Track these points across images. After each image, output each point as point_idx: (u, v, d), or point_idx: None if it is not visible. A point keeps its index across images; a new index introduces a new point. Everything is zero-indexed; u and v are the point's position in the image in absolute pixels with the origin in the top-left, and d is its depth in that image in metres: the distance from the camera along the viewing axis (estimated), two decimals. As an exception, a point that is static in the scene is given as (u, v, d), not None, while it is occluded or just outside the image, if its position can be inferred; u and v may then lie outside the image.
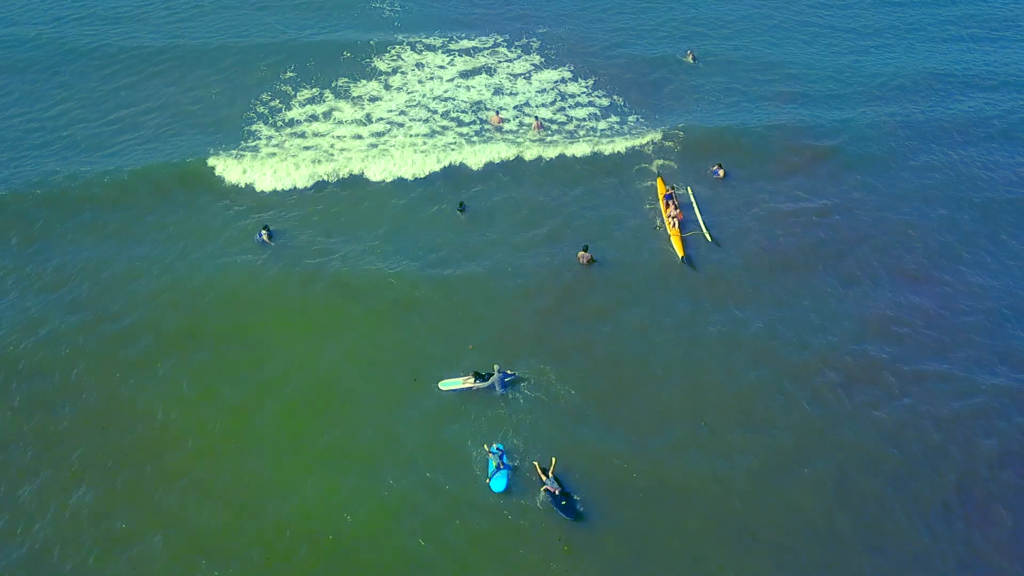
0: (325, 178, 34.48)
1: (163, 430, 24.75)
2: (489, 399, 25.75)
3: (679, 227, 32.01)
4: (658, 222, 32.73)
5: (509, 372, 26.26)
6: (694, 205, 33.63)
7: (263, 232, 31.46)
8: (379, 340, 27.74)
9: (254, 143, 36.60)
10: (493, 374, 25.98)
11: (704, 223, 32.64)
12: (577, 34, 45.81)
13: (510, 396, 25.89)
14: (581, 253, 30.88)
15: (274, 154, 35.70)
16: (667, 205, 32.97)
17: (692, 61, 43.55)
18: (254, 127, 37.70)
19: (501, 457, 23.62)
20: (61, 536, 22.09)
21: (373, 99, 39.83)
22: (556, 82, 41.49)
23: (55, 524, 22.33)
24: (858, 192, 34.94)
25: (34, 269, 30.02)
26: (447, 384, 26.17)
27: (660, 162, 36.20)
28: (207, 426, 24.85)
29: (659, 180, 34.81)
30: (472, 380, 25.96)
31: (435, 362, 26.82)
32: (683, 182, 35.03)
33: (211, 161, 34.98)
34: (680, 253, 31.04)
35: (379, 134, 37.41)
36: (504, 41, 44.79)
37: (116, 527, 22.34)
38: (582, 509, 22.83)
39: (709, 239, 31.93)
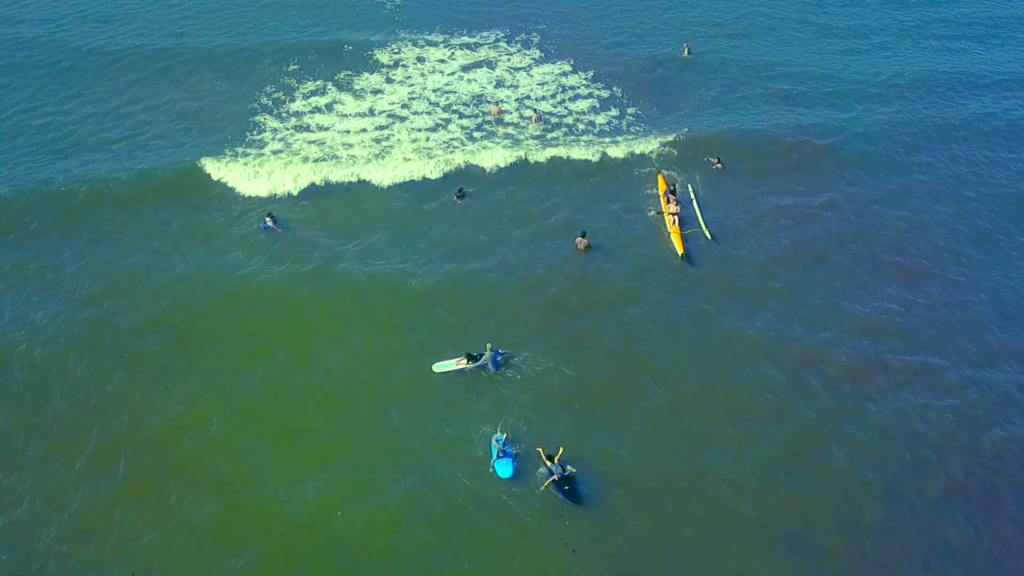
0: (329, 176, 34.55)
1: (166, 425, 24.92)
2: (490, 388, 26.07)
3: (679, 224, 32.26)
4: (651, 211, 33.05)
5: (500, 351, 26.78)
6: (694, 202, 33.92)
7: (268, 219, 31.92)
8: (382, 334, 27.95)
9: (259, 136, 36.98)
10: (485, 353, 26.49)
11: (704, 220, 32.95)
12: (577, 31, 46.23)
13: (506, 375, 26.36)
14: (579, 239, 31.34)
15: (280, 151, 35.98)
16: (667, 202, 33.21)
17: (688, 55, 44.04)
18: (258, 118, 38.08)
19: (504, 445, 23.94)
20: (66, 530, 22.32)
21: (376, 91, 40.29)
22: (556, 76, 41.96)
23: (60, 518, 22.54)
24: (857, 189, 35.19)
25: (38, 266, 30.14)
26: (441, 366, 26.61)
27: (660, 151, 36.59)
28: (210, 421, 25.01)
29: (660, 177, 35.07)
30: (465, 361, 26.46)
31: (439, 354, 27.11)
32: (682, 175, 35.44)
33: (215, 161, 35.04)
34: (680, 250, 31.25)
35: (382, 127, 37.81)
36: (504, 37, 45.23)
37: (120, 521, 22.58)
38: (586, 491, 23.23)
39: (708, 236, 32.19)
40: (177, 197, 33.50)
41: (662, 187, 34.35)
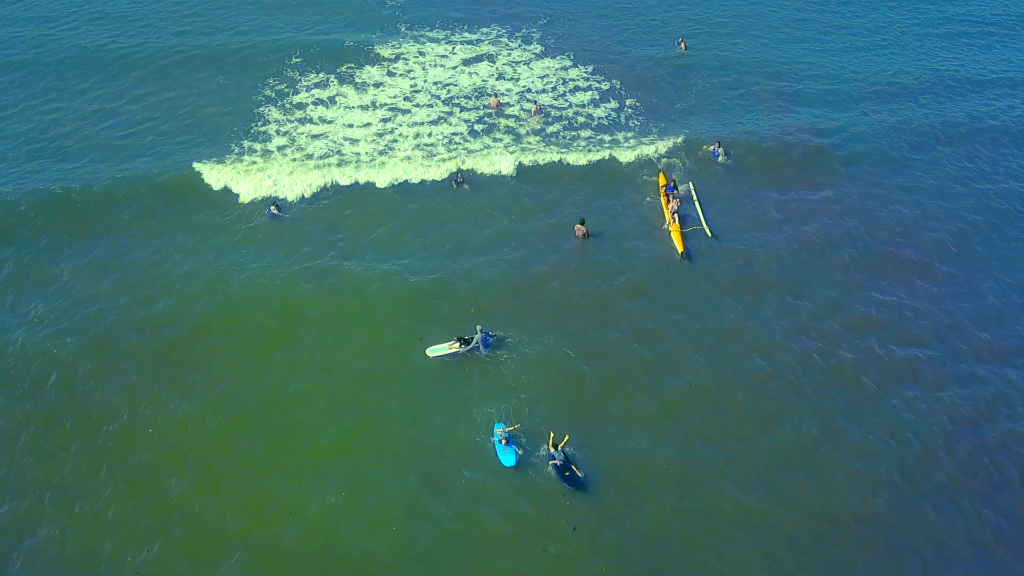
0: (332, 177, 34.43)
1: (167, 422, 25.02)
2: (494, 377, 26.46)
3: (679, 222, 32.28)
4: (664, 224, 32.73)
5: (491, 333, 27.29)
6: (695, 199, 33.99)
7: (273, 207, 32.35)
8: (383, 330, 28.06)
9: (264, 127, 37.43)
10: (476, 336, 26.99)
11: (704, 217, 32.99)
12: (577, 27, 46.68)
13: (504, 359, 26.82)
14: (578, 226, 31.72)
15: (284, 146, 36.28)
16: (668, 199, 33.25)
17: (684, 49, 44.48)
18: (262, 109, 38.65)
19: (507, 434, 24.35)
20: (74, 532, 22.41)
21: (378, 84, 40.76)
22: (556, 70, 42.40)
23: (65, 522, 22.60)
24: (858, 186, 35.22)
25: (45, 269, 30.05)
26: (434, 351, 27.07)
27: (660, 146, 36.85)
28: (211, 419, 25.09)
29: (660, 174, 35.05)
30: (457, 345, 26.95)
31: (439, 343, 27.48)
32: (683, 170, 35.57)
33: (219, 162, 35.04)
34: (680, 248, 31.26)
35: (385, 120, 38.24)
36: (505, 33, 45.71)
37: (119, 515, 22.71)
38: (582, 475, 23.62)
39: (709, 234, 32.18)
40: (180, 197, 33.52)
41: (662, 183, 34.44)
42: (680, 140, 37.30)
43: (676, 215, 32.44)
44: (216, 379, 26.31)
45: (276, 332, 27.98)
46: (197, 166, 34.87)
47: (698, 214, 33.25)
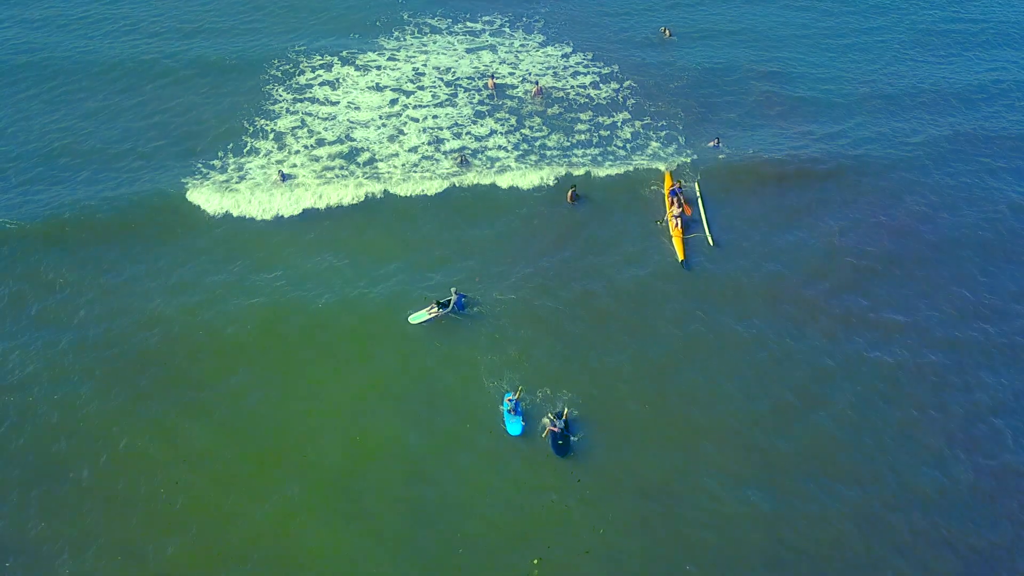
0: (336, 184, 34.42)
1: (172, 432, 25.46)
2: (494, 351, 27.46)
3: (681, 227, 32.07)
4: (659, 220, 33.08)
5: (463, 294, 28.59)
6: (699, 202, 33.91)
7: (277, 175, 33.76)
8: (388, 331, 28.50)
9: (274, 105, 38.47)
10: (451, 298, 28.12)
11: (707, 222, 32.90)
12: (578, 21, 47.40)
13: (507, 350, 27.73)
14: (570, 191, 32.58)
15: (297, 127, 37.18)
16: (672, 202, 33.10)
17: (668, 36, 45.31)
18: (274, 90, 39.64)
19: (515, 405, 25.25)
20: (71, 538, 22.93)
21: (379, 68, 41.78)
22: (559, 56, 43.34)
23: (62, 532, 23.06)
24: (861, 192, 35.45)
25: (47, 279, 30.09)
26: (416, 317, 28.12)
27: (660, 142, 37.36)
28: (218, 431, 25.49)
29: (667, 175, 34.95)
30: (436, 309, 28.03)
31: (444, 354, 27.94)
32: (688, 164, 35.89)
33: (236, 157, 35.38)
34: (680, 256, 31.23)
35: (393, 102, 39.23)
36: (507, 23, 46.58)
37: (132, 526, 23.24)
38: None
39: (711, 243, 32.11)
40: (185, 207, 33.25)
41: (667, 185, 34.23)
42: (681, 132, 37.93)
43: (679, 220, 32.16)
44: (219, 385, 26.54)
45: (279, 339, 28.09)
46: (193, 193, 33.98)
47: (701, 218, 33.05)
